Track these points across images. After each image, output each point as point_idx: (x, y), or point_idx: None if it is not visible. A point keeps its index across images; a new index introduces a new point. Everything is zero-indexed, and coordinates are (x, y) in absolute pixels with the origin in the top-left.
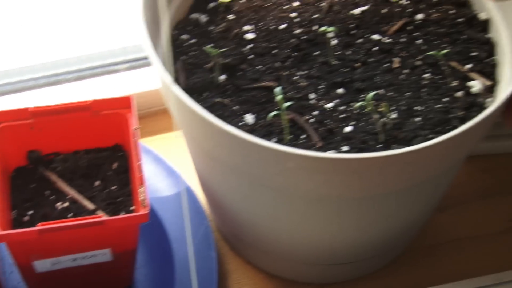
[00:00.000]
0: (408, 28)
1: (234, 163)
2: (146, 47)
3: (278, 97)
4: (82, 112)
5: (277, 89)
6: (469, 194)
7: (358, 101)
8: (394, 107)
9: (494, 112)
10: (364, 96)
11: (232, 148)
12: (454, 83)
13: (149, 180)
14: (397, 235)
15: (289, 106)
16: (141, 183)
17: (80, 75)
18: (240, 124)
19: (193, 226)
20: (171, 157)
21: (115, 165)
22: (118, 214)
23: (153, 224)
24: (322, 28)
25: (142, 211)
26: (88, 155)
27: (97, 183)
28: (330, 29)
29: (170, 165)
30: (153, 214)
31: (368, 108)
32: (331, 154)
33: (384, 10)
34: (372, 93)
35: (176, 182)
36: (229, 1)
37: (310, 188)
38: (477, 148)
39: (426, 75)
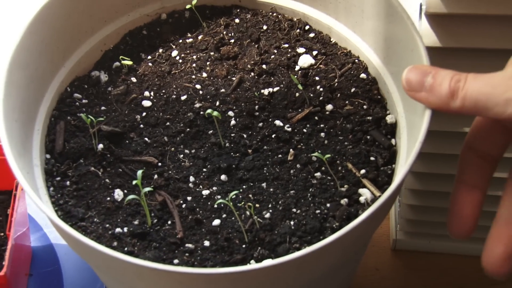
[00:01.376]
0: (315, 118)
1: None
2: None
3: (138, 181)
4: None
5: (139, 172)
6: None
7: (236, 192)
8: (270, 206)
9: (351, 230)
10: (246, 187)
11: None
12: (343, 188)
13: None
14: None
15: (165, 186)
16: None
17: None
18: (107, 199)
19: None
20: None
21: (8, 210)
22: None
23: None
24: (209, 111)
25: None
26: None
27: None
28: (215, 113)
29: None
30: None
31: (230, 205)
32: (155, 264)
33: (296, 95)
34: (234, 192)
35: None
36: (131, 64)
37: None
38: (416, 244)
39: (317, 174)
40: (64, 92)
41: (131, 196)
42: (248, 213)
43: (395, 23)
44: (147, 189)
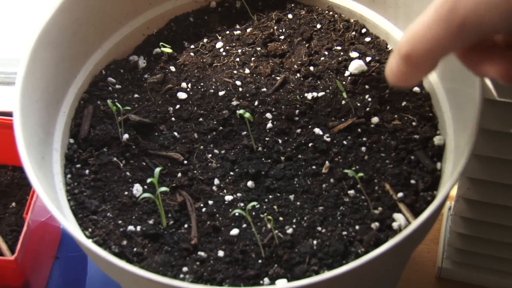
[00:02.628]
0: (358, 130)
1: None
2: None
3: (154, 179)
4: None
5: (157, 170)
6: None
7: (261, 201)
8: (295, 220)
9: (374, 259)
10: (273, 197)
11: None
12: (376, 211)
13: None
14: None
15: (188, 186)
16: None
17: None
18: (124, 193)
19: None
20: None
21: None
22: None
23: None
24: (241, 111)
25: (8, 257)
26: (14, 173)
27: (13, 204)
28: (247, 115)
29: None
30: None
31: (247, 216)
32: (149, 275)
33: (342, 102)
34: (252, 203)
35: None
36: (172, 52)
37: None
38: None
39: (351, 192)
40: (98, 74)
41: (146, 194)
42: (269, 226)
43: None
44: (163, 188)
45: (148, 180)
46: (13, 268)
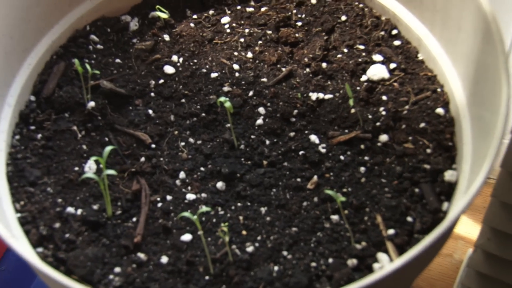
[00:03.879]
0: (361, 146)
1: None
2: None
3: (101, 159)
4: None
5: (107, 148)
6: None
7: (226, 208)
8: (259, 238)
9: None
10: (241, 205)
11: None
12: (359, 245)
13: None
14: None
15: (149, 174)
16: None
17: None
18: (74, 169)
19: None
20: None
21: None
22: None
23: None
24: (221, 99)
25: None
26: None
27: None
28: (227, 104)
29: None
30: None
31: (197, 222)
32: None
33: (351, 111)
34: (205, 209)
35: None
36: (168, 19)
37: None
38: None
39: (334, 217)
40: (81, 30)
41: (89, 174)
42: (225, 238)
43: (487, 53)
44: (110, 171)
45: (93, 158)
46: None
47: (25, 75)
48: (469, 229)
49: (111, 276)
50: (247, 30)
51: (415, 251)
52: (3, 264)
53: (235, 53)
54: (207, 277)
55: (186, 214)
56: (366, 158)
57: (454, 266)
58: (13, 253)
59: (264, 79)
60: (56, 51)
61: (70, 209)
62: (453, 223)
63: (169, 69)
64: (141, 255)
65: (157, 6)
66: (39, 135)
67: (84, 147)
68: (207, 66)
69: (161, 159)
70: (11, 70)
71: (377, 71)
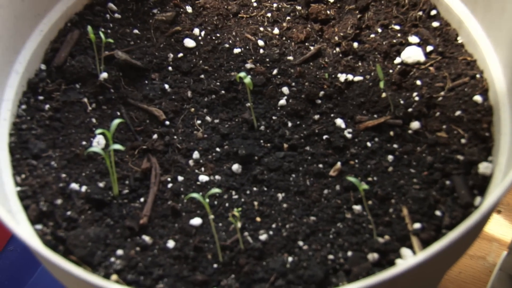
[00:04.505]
0: (391, 132)
1: None
2: None
3: (107, 132)
4: None
5: (115, 122)
6: None
7: (241, 192)
8: (274, 226)
9: None
10: (257, 190)
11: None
12: (382, 239)
13: None
14: None
15: (161, 153)
16: None
17: None
18: (81, 143)
19: None
20: None
21: None
22: None
23: None
24: (240, 74)
25: None
26: None
27: None
28: (247, 80)
29: None
30: None
31: (206, 204)
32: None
33: (382, 95)
34: (215, 190)
35: None
36: None
37: None
38: None
39: (357, 207)
40: None
41: (94, 148)
42: (238, 224)
43: None
44: (116, 146)
45: (99, 131)
46: None
47: (36, 42)
48: (505, 230)
49: (112, 259)
50: (275, 5)
51: (440, 246)
52: (11, 244)
53: (261, 29)
54: (215, 265)
55: (195, 195)
56: (395, 146)
57: (487, 270)
58: None
59: (290, 57)
60: (71, 18)
61: (74, 185)
62: (484, 217)
63: (189, 43)
64: (146, 238)
65: None
66: (47, 106)
67: (94, 120)
68: (230, 41)
69: (175, 137)
70: (20, 36)
71: (412, 54)
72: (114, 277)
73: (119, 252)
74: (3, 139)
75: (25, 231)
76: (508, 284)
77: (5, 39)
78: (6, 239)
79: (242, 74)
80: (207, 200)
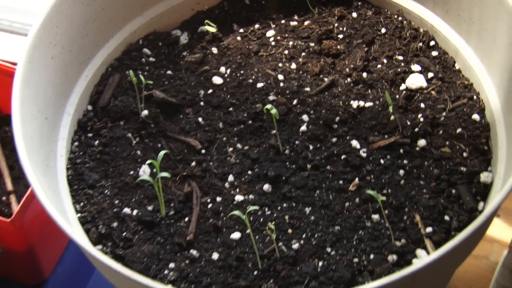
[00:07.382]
0: (401, 150)
1: None
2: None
3: (156, 162)
4: None
5: (161, 153)
6: None
7: (273, 208)
8: (304, 236)
9: None
10: (287, 206)
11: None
12: (399, 242)
13: None
14: None
15: (200, 177)
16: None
17: None
18: (129, 173)
19: None
20: None
21: None
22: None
23: None
24: (267, 106)
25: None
26: None
27: None
28: (273, 111)
29: None
30: None
31: (246, 220)
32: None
33: (391, 118)
34: (253, 207)
35: None
36: (216, 33)
37: None
38: None
39: (375, 216)
40: (134, 43)
41: (145, 177)
42: (272, 236)
43: None
44: (164, 174)
45: (147, 162)
46: (12, 231)
47: (82, 86)
48: (504, 232)
49: (166, 271)
50: (291, 43)
51: (453, 243)
52: (59, 266)
53: (280, 64)
54: (255, 272)
55: (236, 212)
56: (405, 161)
57: (490, 268)
58: (69, 255)
59: (308, 89)
60: (111, 64)
61: (127, 210)
62: (487, 220)
63: (217, 80)
64: (194, 252)
65: (206, 21)
66: (96, 142)
67: (139, 152)
68: (253, 77)
69: (211, 163)
70: (70, 82)
71: (415, 80)
72: (170, 287)
73: (171, 265)
74: (62, 173)
75: (91, 249)
76: (510, 278)
77: (57, 86)
78: (55, 260)
79: (268, 106)
80: (244, 216)
